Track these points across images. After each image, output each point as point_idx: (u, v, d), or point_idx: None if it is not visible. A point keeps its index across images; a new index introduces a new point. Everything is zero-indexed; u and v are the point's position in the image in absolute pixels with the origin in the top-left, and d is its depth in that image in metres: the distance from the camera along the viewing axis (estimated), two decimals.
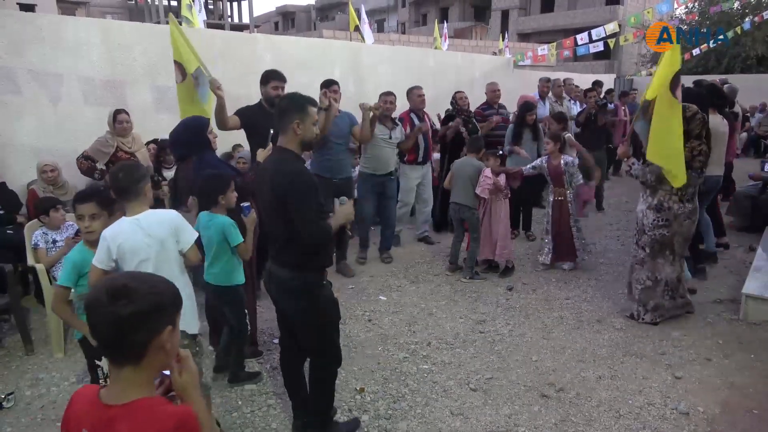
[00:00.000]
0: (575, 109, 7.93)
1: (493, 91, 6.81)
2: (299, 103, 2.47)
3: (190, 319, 2.57)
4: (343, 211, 2.57)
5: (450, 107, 6.60)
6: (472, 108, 6.73)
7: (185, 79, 4.22)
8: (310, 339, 2.61)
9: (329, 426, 2.77)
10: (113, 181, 2.46)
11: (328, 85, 4.95)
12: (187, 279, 2.61)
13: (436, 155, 6.57)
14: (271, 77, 4.25)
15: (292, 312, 2.61)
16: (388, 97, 5.43)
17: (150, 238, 2.40)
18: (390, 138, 5.42)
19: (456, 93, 6.53)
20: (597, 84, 8.39)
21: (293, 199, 2.35)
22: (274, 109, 2.63)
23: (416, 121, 5.84)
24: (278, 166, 2.44)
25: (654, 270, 4.02)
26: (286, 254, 2.49)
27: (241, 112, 4.23)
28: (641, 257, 4.06)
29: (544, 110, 7.16)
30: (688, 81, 4.47)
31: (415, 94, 5.95)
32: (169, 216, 2.50)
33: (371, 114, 4.87)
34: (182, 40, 4.14)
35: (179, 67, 4.24)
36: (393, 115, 5.52)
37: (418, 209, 6.27)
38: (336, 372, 2.73)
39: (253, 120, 4.17)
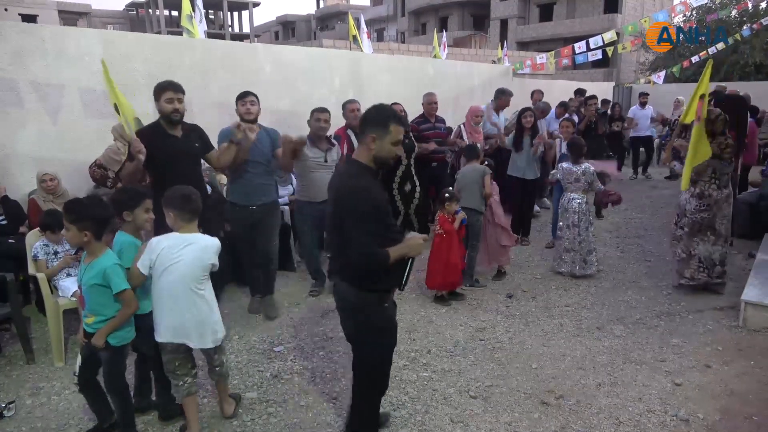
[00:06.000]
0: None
1: (430, 103, 6.19)
2: (381, 117, 2.30)
3: (211, 333, 2.73)
4: (411, 242, 2.33)
5: None
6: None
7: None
8: (359, 361, 2.48)
9: None
10: (186, 203, 2.63)
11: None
12: (211, 290, 2.76)
13: None
14: (164, 88, 3.58)
15: (346, 329, 2.51)
16: (321, 115, 4.63)
17: (188, 257, 2.60)
18: (326, 161, 4.64)
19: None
20: (590, 98, 8.39)
21: (350, 217, 2.20)
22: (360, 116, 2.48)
23: (353, 139, 5.12)
24: (344, 179, 2.29)
25: (689, 246, 4.71)
26: (347, 269, 2.34)
27: (141, 134, 3.53)
28: (679, 235, 4.78)
29: (498, 121, 7.12)
30: (687, 89, 4.68)
31: (348, 110, 5.32)
32: (214, 243, 2.72)
33: (293, 146, 4.21)
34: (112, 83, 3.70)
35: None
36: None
37: None
38: (378, 403, 2.61)
39: (152, 142, 3.48)
